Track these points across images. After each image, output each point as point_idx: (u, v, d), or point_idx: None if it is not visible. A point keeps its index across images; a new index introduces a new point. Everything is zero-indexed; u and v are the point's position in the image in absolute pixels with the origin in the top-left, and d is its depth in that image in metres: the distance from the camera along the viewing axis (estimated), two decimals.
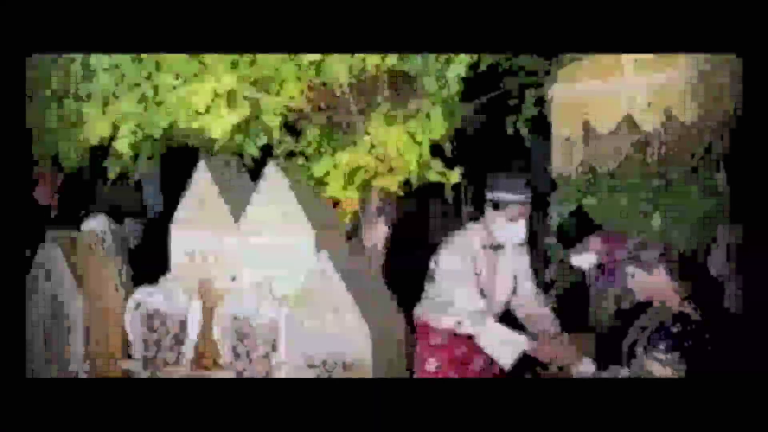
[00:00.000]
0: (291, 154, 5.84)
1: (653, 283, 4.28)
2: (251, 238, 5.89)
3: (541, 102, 5.92)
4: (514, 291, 4.71)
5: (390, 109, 5.61)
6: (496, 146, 6.08)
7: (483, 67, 5.49)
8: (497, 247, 4.60)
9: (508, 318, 4.60)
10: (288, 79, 5.50)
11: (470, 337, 4.53)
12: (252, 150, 5.91)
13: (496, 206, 4.51)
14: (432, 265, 4.70)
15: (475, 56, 5.34)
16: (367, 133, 5.57)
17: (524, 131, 6.01)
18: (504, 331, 4.42)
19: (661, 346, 4.21)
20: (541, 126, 5.90)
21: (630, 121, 3.83)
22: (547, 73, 5.84)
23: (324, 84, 5.65)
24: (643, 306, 4.44)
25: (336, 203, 5.80)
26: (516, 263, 4.69)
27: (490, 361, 4.53)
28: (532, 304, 4.67)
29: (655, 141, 3.88)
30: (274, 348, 5.61)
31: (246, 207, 5.93)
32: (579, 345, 4.36)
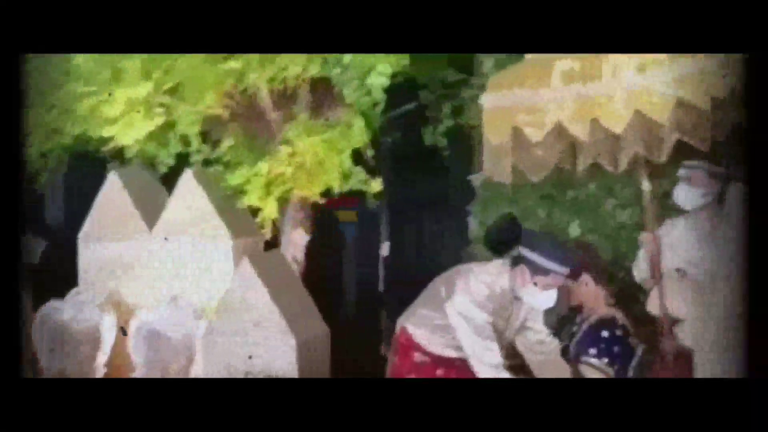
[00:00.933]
0: (208, 163, 5.72)
1: (580, 289, 4.37)
2: (166, 249, 5.74)
3: (458, 113, 6.00)
4: (520, 330, 4.49)
5: (310, 118, 5.58)
6: (415, 157, 6.11)
7: (400, 78, 5.50)
8: (517, 299, 4.34)
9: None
10: (206, 86, 5.41)
11: (452, 360, 4.39)
12: (166, 158, 5.79)
13: (535, 269, 4.18)
14: (442, 291, 4.41)
15: (395, 67, 5.35)
16: (287, 142, 5.52)
17: (442, 142, 6.05)
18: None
19: (592, 351, 4.30)
20: (458, 136, 6.00)
21: (560, 130, 3.89)
22: (465, 84, 5.93)
23: (243, 92, 5.58)
24: (572, 313, 4.53)
25: (255, 212, 5.71)
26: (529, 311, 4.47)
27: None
28: (542, 350, 4.45)
29: (584, 151, 3.93)
30: (191, 361, 5.49)
31: (160, 217, 5.78)
32: None
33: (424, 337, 4.42)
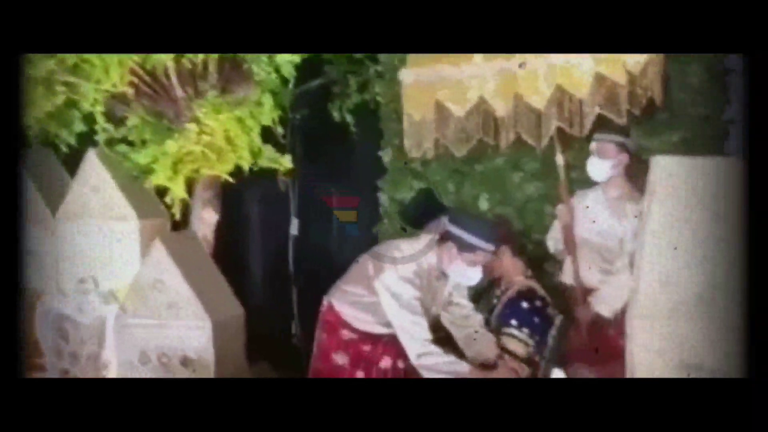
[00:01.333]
0: (111, 142, 5.57)
1: (499, 262, 4.46)
2: (71, 231, 5.57)
3: (364, 88, 6.01)
4: (446, 305, 4.57)
5: (218, 95, 5.49)
6: (322, 133, 6.09)
7: (300, 56, 5.44)
8: (443, 275, 4.43)
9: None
10: (110, 64, 5.26)
11: (380, 336, 4.45)
12: (68, 138, 5.61)
13: (461, 246, 4.25)
14: (369, 268, 4.44)
15: None
16: (195, 121, 5.42)
17: (349, 117, 6.05)
18: (444, 360, 4.25)
19: (513, 322, 4.40)
20: (365, 112, 6.01)
21: (483, 105, 3.96)
22: (371, 59, 5.94)
23: (148, 69, 5.44)
24: (491, 285, 4.62)
25: (162, 192, 5.60)
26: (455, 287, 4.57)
27: (395, 361, 4.46)
28: (468, 324, 4.53)
29: (507, 126, 4.01)
30: (102, 347, 5.36)
31: (63, 199, 5.61)
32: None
33: (351, 314, 4.45)
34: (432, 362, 4.23)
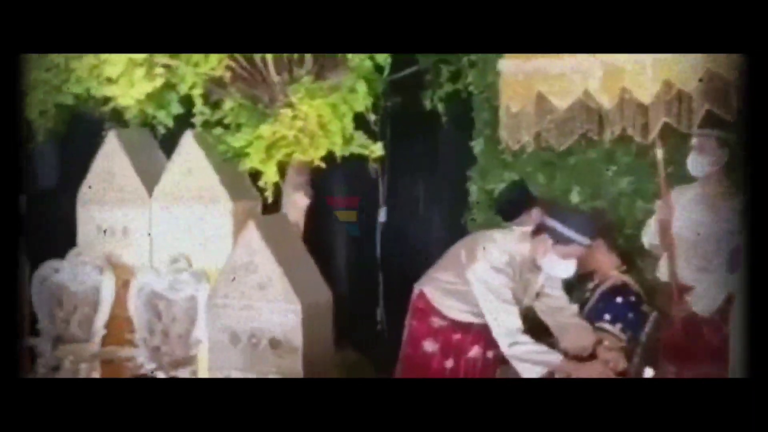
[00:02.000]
0: (207, 125, 5.67)
1: (594, 255, 4.41)
2: (166, 211, 5.69)
3: (456, 78, 5.99)
4: (538, 295, 4.56)
5: (313, 81, 5.54)
6: (414, 121, 6.09)
7: None
8: (536, 267, 4.43)
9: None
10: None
11: (470, 325, 4.48)
12: (166, 120, 5.73)
13: (556, 238, 4.25)
14: (462, 257, 4.48)
15: None
16: (289, 106, 5.48)
17: (440, 107, 6.04)
18: (536, 349, 4.28)
19: (606, 317, 4.37)
20: (457, 102, 6.00)
21: (586, 99, 3.91)
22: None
23: (246, 54, 5.52)
24: (584, 278, 4.59)
25: (254, 176, 5.68)
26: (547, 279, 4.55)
27: (485, 351, 4.50)
28: (563, 312, 4.53)
29: (611, 120, 3.95)
30: (192, 324, 5.47)
31: (160, 179, 5.73)
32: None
33: (442, 302, 4.46)
34: (523, 351, 4.24)
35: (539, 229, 4.31)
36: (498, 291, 4.26)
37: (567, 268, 4.34)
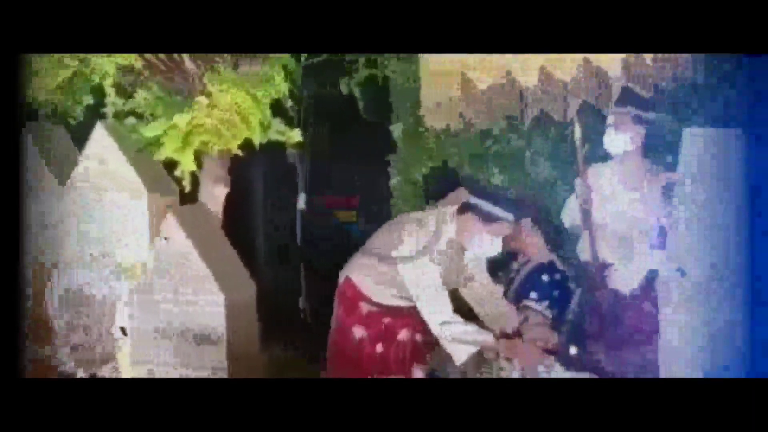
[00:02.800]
0: (119, 115, 5.52)
1: (519, 236, 4.45)
2: (79, 206, 5.52)
3: (373, 62, 5.98)
4: (466, 280, 4.54)
5: (230, 69, 5.44)
6: (332, 107, 6.06)
7: None
8: (463, 247, 4.40)
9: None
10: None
11: (399, 308, 4.46)
12: (77, 112, 5.55)
13: (482, 216, 4.28)
14: (387, 241, 4.46)
15: None
16: (206, 94, 5.38)
17: (357, 92, 6.02)
18: (467, 329, 4.29)
19: (533, 295, 4.41)
20: (373, 86, 5.99)
21: (508, 79, 3.94)
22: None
23: None
24: (511, 258, 4.62)
25: (170, 166, 5.56)
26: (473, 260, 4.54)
27: (414, 334, 4.47)
28: (491, 299, 4.55)
29: (531, 99, 3.99)
30: (112, 322, 5.34)
31: (72, 173, 5.56)
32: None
33: (370, 287, 4.43)
34: (454, 331, 4.25)
35: (464, 208, 4.32)
36: (425, 272, 4.26)
37: (494, 246, 4.36)
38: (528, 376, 4.23)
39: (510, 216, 4.27)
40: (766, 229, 3.22)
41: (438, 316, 4.25)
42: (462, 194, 4.42)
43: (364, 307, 4.46)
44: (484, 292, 4.53)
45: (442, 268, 4.29)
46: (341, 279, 4.56)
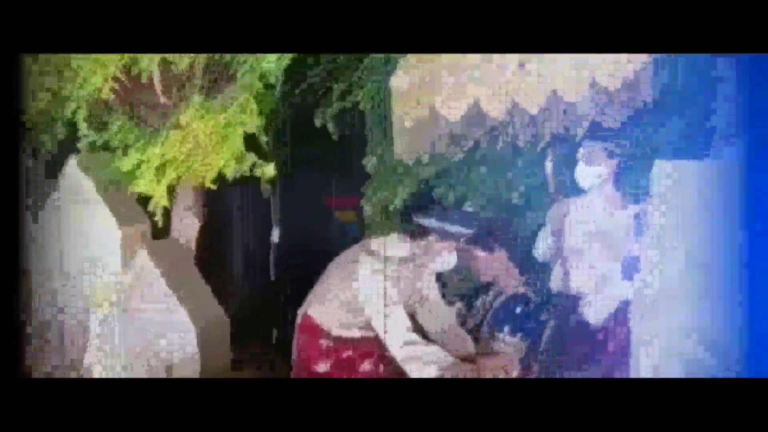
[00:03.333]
0: (93, 148, 5.49)
1: (494, 265, 4.45)
2: (53, 239, 5.49)
3: (347, 94, 5.98)
4: (421, 300, 4.60)
5: (203, 101, 5.43)
6: (306, 140, 6.05)
7: (286, 61, 5.40)
8: (420, 267, 4.51)
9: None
10: (94, 70, 5.19)
11: (358, 340, 4.49)
12: (49, 144, 5.52)
13: (440, 235, 4.40)
14: (343, 271, 4.55)
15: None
16: (178, 126, 5.37)
17: (331, 125, 6.01)
18: (429, 350, 4.31)
19: (506, 328, 4.40)
20: (348, 119, 5.99)
21: (477, 109, 3.95)
22: (353, 66, 5.92)
23: (131, 73, 5.38)
24: (484, 289, 4.62)
25: (143, 199, 5.54)
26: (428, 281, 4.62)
27: (377, 364, 4.50)
28: (440, 319, 4.59)
29: (502, 130, 4.01)
30: (82, 353, 5.29)
31: (43, 206, 5.53)
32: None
33: (328, 320, 4.46)
34: (415, 352, 4.25)
35: (420, 229, 4.40)
36: (383, 295, 4.27)
37: (449, 261, 4.44)
38: None
39: (467, 230, 4.36)
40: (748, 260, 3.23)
41: (398, 336, 4.26)
42: (419, 216, 4.46)
43: (323, 343, 4.46)
44: (438, 313, 4.56)
45: (399, 288, 4.32)
46: (299, 315, 4.55)
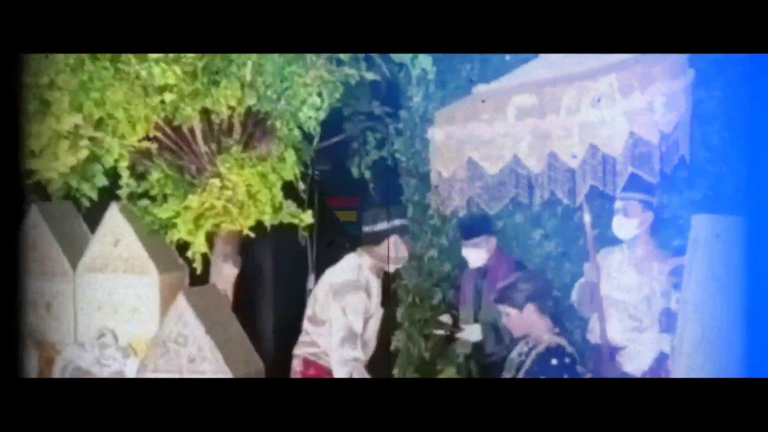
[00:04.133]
0: (132, 196, 5.59)
1: (525, 320, 4.44)
2: (91, 284, 5.57)
3: (382, 145, 6.07)
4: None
5: (241, 150, 5.53)
6: (342, 189, 6.12)
7: (323, 112, 5.47)
8: (385, 273, 4.95)
9: None
10: (137, 119, 5.31)
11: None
12: (90, 193, 5.62)
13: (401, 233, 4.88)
14: (315, 302, 4.91)
15: (324, 100, 5.37)
16: (217, 176, 5.46)
17: (368, 174, 6.09)
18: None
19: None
20: (382, 168, 6.07)
21: (516, 163, 4.00)
22: (389, 115, 6.02)
23: (172, 124, 5.49)
24: (518, 342, 4.61)
25: (181, 246, 5.61)
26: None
27: None
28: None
29: (541, 184, 4.03)
30: None
31: (84, 253, 5.62)
32: None
33: (322, 360, 4.83)
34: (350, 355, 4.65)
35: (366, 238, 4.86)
36: (345, 309, 4.69)
37: (403, 256, 4.94)
38: None
39: (399, 222, 4.90)
40: None
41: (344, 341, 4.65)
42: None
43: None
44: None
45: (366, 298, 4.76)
46: (295, 362, 4.90)
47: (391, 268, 4.96)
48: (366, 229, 4.91)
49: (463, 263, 5.33)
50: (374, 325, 4.90)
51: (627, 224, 4.54)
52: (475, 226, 5.12)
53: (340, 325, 4.68)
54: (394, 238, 4.86)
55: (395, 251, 4.86)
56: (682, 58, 4.01)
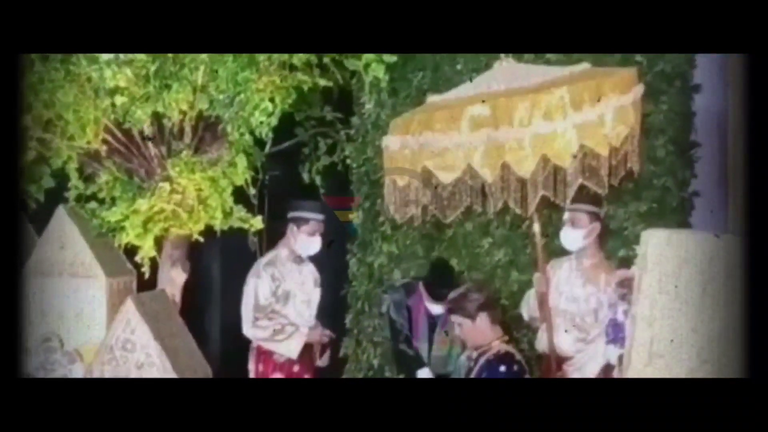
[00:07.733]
0: (80, 199, 5.53)
1: (478, 330, 4.47)
2: (36, 290, 5.48)
3: (332, 151, 6.07)
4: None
5: (192, 155, 5.50)
6: (293, 194, 6.10)
7: (275, 118, 5.46)
8: (300, 260, 5.44)
9: None
10: (87, 121, 5.25)
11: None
12: (37, 195, 5.54)
13: (297, 223, 5.35)
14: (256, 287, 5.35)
15: (276, 106, 5.36)
16: (167, 179, 5.42)
17: (318, 179, 6.08)
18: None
19: None
20: (335, 175, 6.08)
21: (471, 173, 4.04)
22: (341, 121, 6.02)
23: (121, 126, 5.44)
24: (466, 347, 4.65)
25: (129, 250, 5.56)
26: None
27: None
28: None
29: (493, 193, 4.08)
30: None
31: (29, 255, 5.53)
32: None
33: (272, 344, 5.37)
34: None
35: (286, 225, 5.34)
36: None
37: (314, 244, 5.39)
38: None
39: (319, 215, 5.36)
40: None
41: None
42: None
43: (279, 358, 5.39)
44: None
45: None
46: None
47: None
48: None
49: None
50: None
51: (574, 235, 4.59)
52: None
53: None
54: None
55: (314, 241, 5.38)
56: (631, 72, 4.10)
